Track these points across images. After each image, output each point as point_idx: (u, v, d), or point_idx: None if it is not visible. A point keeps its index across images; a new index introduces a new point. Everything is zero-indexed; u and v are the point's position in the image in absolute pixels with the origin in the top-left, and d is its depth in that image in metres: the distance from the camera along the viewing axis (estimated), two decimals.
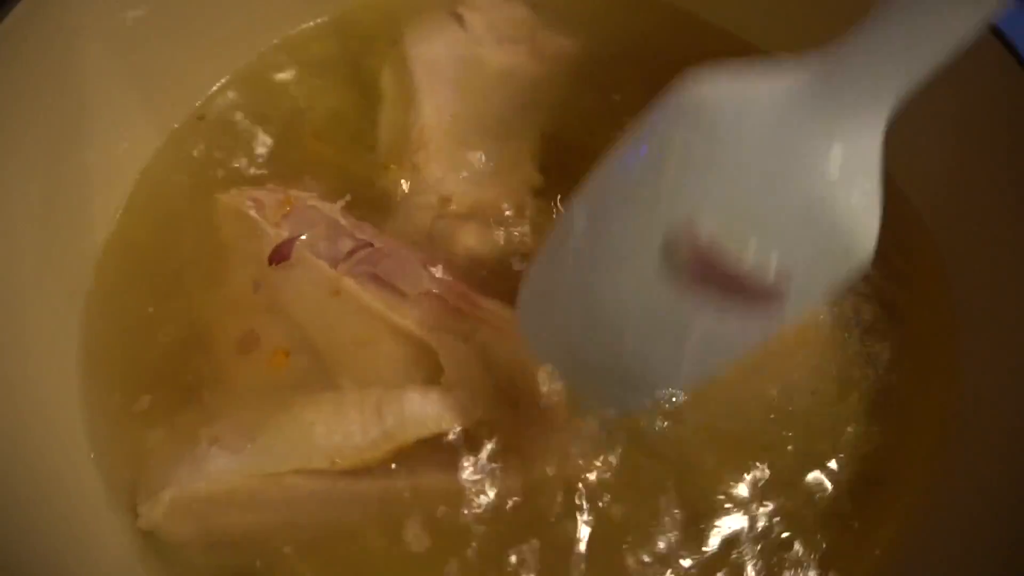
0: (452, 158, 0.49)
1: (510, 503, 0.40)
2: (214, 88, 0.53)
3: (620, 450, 0.42)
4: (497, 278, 0.46)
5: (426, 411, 0.41)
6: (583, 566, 0.39)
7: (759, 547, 0.41)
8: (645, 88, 0.51)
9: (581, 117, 0.52)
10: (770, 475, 0.42)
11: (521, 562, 0.39)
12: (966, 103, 0.44)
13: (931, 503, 0.41)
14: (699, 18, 0.56)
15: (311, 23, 0.56)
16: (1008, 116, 0.41)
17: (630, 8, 0.56)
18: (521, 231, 0.47)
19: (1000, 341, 0.42)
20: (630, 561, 0.40)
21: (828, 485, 0.42)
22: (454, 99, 0.51)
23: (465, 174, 0.49)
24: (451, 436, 0.41)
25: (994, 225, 0.43)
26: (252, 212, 0.47)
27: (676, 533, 0.41)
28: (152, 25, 0.48)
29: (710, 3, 0.55)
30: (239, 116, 0.53)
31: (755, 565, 0.40)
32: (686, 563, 0.40)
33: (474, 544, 0.39)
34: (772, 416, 0.43)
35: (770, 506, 0.42)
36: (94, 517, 0.40)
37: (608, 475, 0.41)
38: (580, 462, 0.41)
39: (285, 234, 0.47)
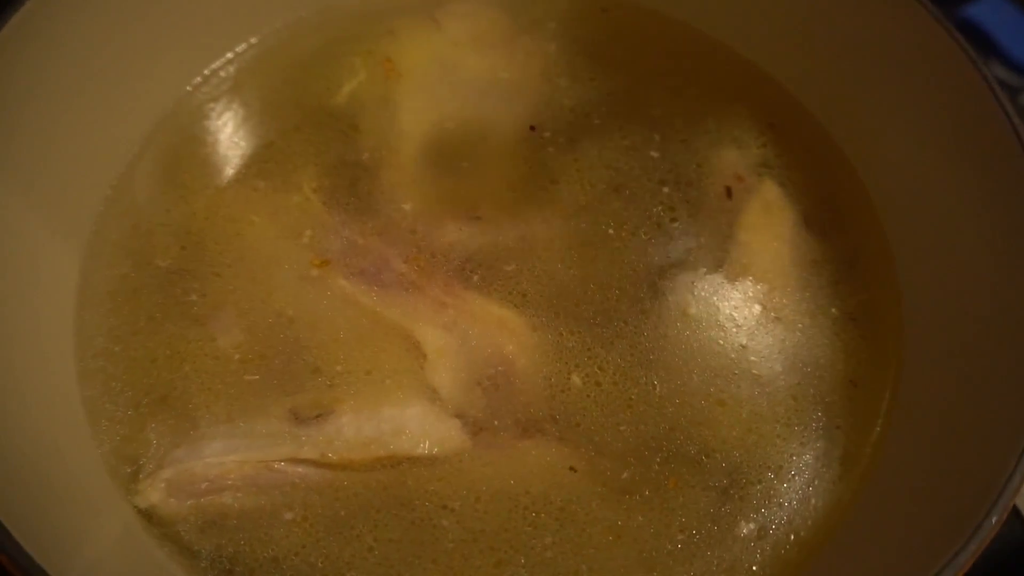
0: (432, 159, 0.51)
1: (488, 508, 0.42)
2: (187, 89, 0.54)
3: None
4: (477, 271, 0.48)
5: (425, 432, 0.43)
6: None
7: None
8: (623, 92, 0.54)
9: (558, 118, 0.54)
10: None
11: (499, 562, 0.41)
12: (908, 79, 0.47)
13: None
14: (674, 19, 0.58)
15: (290, 23, 0.57)
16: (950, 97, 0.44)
17: (607, 12, 0.58)
18: (500, 225, 0.49)
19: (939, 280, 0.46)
20: None
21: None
22: (433, 103, 0.53)
23: (444, 174, 0.51)
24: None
25: (933, 184, 0.47)
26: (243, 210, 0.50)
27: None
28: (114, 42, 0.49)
29: (684, 5, 0.57)
30: (218, 116, 0.54)
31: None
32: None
33: (452, 544, 0.41)
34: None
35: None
36: (95, 495, 0.42)
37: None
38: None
39: (273, 231, 0.49)
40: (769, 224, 0.50)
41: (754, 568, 0.41)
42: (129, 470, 0.43)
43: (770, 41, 0.53)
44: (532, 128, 0.53)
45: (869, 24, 0.47)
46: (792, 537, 0.42)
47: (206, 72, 0.55)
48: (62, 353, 0.45)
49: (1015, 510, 0.53)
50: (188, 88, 0.54)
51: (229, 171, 0.52)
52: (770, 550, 0.42)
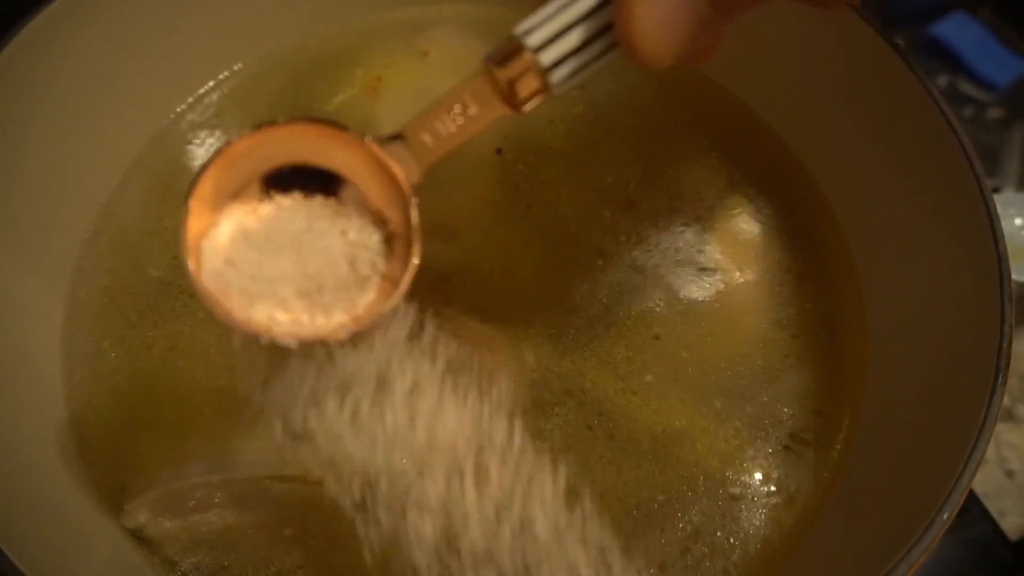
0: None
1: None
2: (183, 106, 0.56)
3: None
4: (458, 289, 0.49)
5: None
6: None
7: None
8: (593, 115, 0.56)
9: (532, 138, 0.55)
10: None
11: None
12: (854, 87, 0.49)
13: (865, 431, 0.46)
14: None
15: (273, 50, 0.58)
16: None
17: None
18: (476, 244, 0.51)
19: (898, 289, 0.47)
20: None
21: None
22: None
23: (423, 193, 0.52)
24: None
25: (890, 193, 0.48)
26: None
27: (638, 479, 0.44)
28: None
29: None
30: (205, 139, 0.55)
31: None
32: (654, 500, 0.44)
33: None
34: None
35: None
36: (83, 517, 0.43)
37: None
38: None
39: None
40: (737, 241, 0.51)
41: None
42: (116, 491, 0.43)
43: (739, 66, 0.54)
44: (499, 151, 0.54)
45: (827, 47, 0.49)
46: (757, 547, 0.43)
47: (191, 99, 0.56)
48: (50, 373, 0.47)
49: (987, 514, 0.55)
50: (172, 115, 0.55)
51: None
52: (738, 561, 0.43)
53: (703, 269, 0.50)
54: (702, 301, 0.49)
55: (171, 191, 0.53)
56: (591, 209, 0.52)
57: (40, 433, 0.44)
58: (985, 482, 0.58)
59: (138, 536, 0.42)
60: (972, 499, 0.56)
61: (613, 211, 0.52)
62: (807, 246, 0.52)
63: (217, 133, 0.55)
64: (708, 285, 0.50)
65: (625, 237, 0.51)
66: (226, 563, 0.42)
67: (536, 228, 0.51)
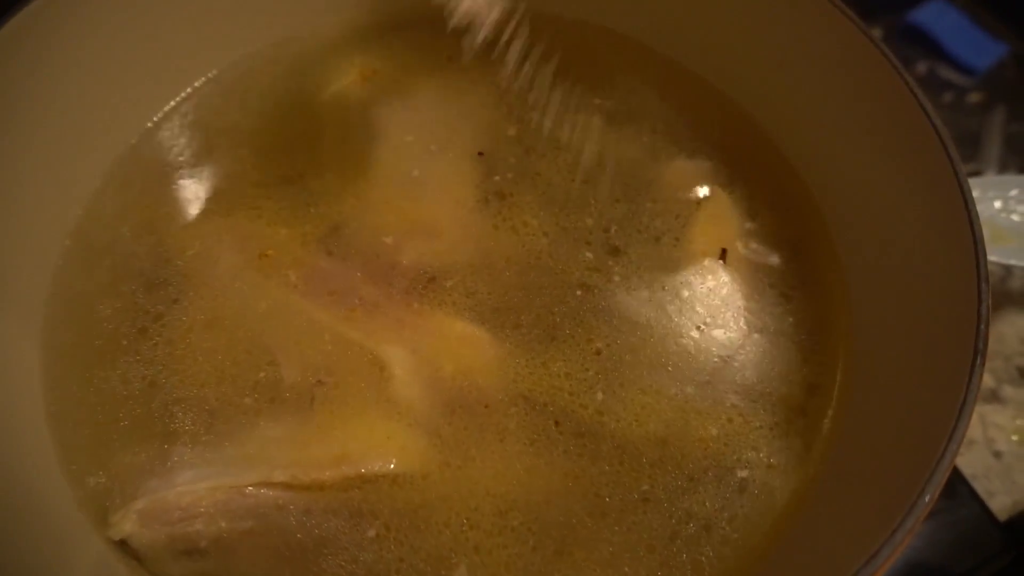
0: (392, 181, 0.53)
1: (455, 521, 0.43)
2: (160, 115, 0.56)
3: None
4: (440, 290, 0.49)
5: (394, 450, 0.44)
6: None
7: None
8: (573, 109, 0.56)
9: (512, 137, 0.55)
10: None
11: None
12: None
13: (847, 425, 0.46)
14: (625, 37, 0.60)
15: (248, 55, 0.59)
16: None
17: (558, 33, 0.60)
18: (458, 244, 0.51)
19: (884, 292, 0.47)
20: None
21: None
22: (391, 126, 0.55)
23: (405, 195, 0.53)
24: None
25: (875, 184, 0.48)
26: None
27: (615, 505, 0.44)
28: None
29: (636, 23, 0.59)
30: (182, 150, 0.55)
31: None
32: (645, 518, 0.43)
33: (426, 555, 0.42)
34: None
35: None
36: (66, 529, 0.42)
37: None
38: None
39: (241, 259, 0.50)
40: (717, 234, 0.51)
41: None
42: (101, 502, 0.43)
43: (720, 58, 0.55)
44: (480, 154, 0.54)
45: (807, 38, 0.50)
46: (743, 535, 0.43)
47: (167, 108, 0.56)
48: (31, 381, 0.46)
49: (975, 495, 0.55)
50: (149, 124, 0.55)
51: (194, 201, 0.53)
52: (724, 547, 0.43)
53: (682, 259, 0.50)
54: (682, 293, 0.50)
55: (142, 213, 0.52)
56: (570, 204, 0.52)
57: (21, 443, 0.44)
58: (973, 463, 0.58)
59: (124, 547, 0.42)
60: (961, 480, 0.56)
61: (595, 252, 0.51)
62: (788, 239, 0.52)
63: (197, 139, 0.55)
64: (687, 275, 0.50)
65: (605, 231, 0.51)
66: (215, 572, 0.42)
67: (516, 223, 0.51)
